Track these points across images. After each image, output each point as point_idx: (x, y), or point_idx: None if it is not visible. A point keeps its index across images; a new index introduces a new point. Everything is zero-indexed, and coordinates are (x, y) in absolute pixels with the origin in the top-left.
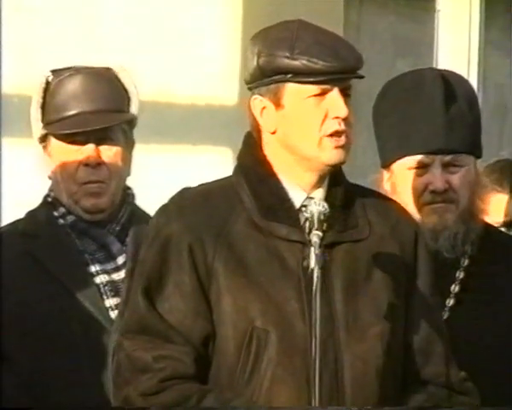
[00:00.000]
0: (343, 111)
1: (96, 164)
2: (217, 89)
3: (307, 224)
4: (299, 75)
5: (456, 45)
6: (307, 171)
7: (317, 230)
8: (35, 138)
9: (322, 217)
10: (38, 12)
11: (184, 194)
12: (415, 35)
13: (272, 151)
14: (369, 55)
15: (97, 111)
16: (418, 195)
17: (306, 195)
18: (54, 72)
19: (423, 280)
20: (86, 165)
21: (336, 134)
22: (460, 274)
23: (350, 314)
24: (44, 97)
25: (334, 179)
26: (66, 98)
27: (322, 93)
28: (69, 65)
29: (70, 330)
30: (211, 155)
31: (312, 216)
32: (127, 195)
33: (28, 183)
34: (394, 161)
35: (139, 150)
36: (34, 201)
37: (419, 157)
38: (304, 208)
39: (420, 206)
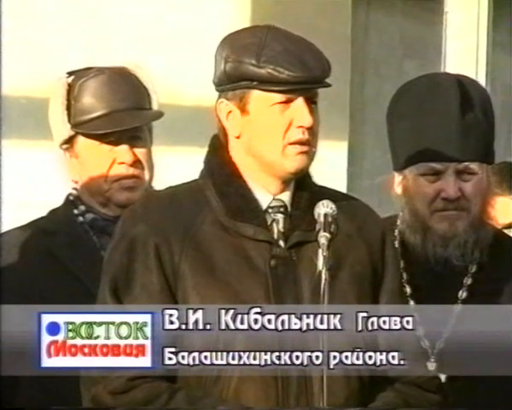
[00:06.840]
0: (307, 121)
1: (132, 162)
2: None
3: (274, 224)
4: (265, 83)
5: (464, 46)
6: (271, 176)
7: (324, 232)
8: (58, 140)
9: (329, 219)
10: (41, 12)
11: (151, 196)
12: (423, 36)
13: (237, 155)
14: (376, 56)
15: (127, 109)
16: (430, 201)
17: (272, 197)
18: (72, 73)
19: (391, 280)
20: (121, 163)
21: (299, 143)
22: (468, 280)
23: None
24: (69, 99)
25: (300, 181)
26: (94, 98)
27: (287, 101)
28: (73, 64)
29: None
30: None
31: (319, 218)
32: None
33: (28, 183)
34: (407, 166)
35: None
36: (34, 201)
37: (432, 164)
38: (270, 209)
39: (431, 212)
